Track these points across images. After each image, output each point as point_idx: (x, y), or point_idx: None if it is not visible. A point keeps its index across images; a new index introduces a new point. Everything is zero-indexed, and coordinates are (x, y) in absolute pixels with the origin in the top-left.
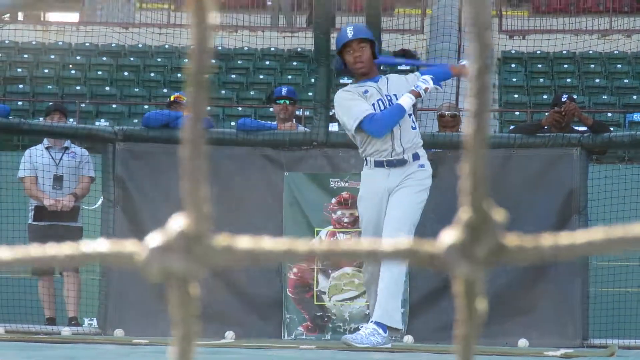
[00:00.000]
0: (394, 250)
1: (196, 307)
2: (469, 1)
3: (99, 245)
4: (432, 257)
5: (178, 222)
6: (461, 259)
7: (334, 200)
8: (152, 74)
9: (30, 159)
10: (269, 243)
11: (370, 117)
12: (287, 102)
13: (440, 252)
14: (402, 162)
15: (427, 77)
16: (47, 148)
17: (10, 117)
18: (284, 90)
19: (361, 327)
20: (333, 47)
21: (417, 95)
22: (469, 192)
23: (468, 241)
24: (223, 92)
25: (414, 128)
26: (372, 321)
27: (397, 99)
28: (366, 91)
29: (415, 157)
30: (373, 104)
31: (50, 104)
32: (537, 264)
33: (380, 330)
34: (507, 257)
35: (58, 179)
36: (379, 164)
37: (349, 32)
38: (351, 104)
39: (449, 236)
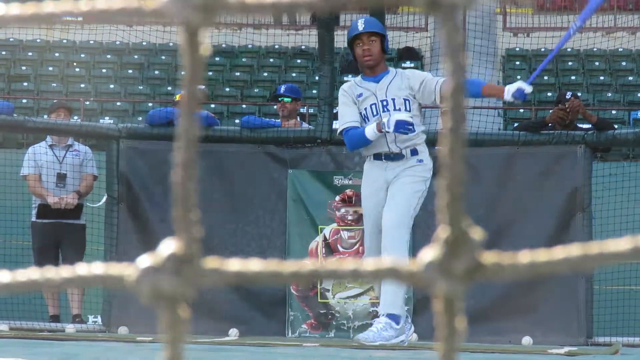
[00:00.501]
0: (375, 270)
1: (186, 328)
2: (441, 24)
3: (94, 268)
4: (412, 275)
5: (169, 245)
6: (440, 276)
7: (337, 198)
8: (156, 72)
9: (34, 156)
10: (257, 265)
11: (346, 131)
12: (286, 99)
13: (420, 270)
14: (399, 157)
15: (393, 120)
16: (50, 146)
17: (14, 115)
18: (283, 88)
19: (374, 322)
20: (337, 44)
21: (380, 131)
22: (446, 209)
23: (446, 258)
24: (227, 89)
25: (412, 132)
26: (383, 314)
27: (393, 104)
28: (360, 94)
29: (414, 152)
30: (365, 108)
31: (54, 101)
32: (517, 280)
33: (393, 323)
34: (485, 274)
35: (61, 177)
36: (377, 157)
37: (360, 25)
38: (342, 110)
39: (427, 254)
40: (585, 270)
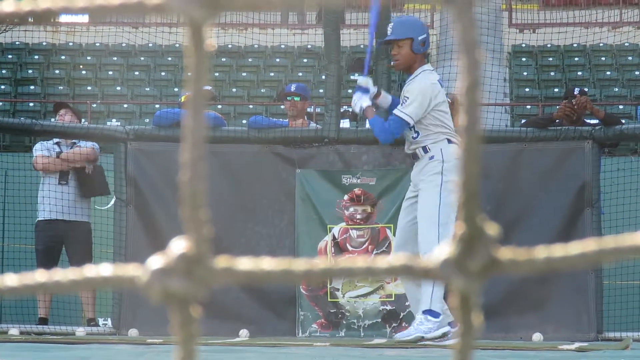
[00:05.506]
0: (389, 267)
1: (197, 327)
2: (456, 19)
3: (102, 269)
4: (427, 271)
5: (179, 245)
6: (455, 273)
7: (346, 197)
8: (162, 73)
9: (44, 146)
10: (268, 264)
11: (402, 120)
12: (296, 98)
13: (435, 267)
14: (415, 156)
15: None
16: (56, 143)
17: (21, 119)
18: (293, 87)
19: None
20: (343, 43)
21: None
22: (462, 206)
23: (462, 255)
24: (234, 90)
25: (414, 138)
26: (419, 313)
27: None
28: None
29: (425, 150)
30: None
31: (54, 103)
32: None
33: (430, 317)
34: (500, 270)
35: (64, 174)
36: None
37: (388, 31)
38: (420, 99)
39: (443, 251)
40: (600, 265)
